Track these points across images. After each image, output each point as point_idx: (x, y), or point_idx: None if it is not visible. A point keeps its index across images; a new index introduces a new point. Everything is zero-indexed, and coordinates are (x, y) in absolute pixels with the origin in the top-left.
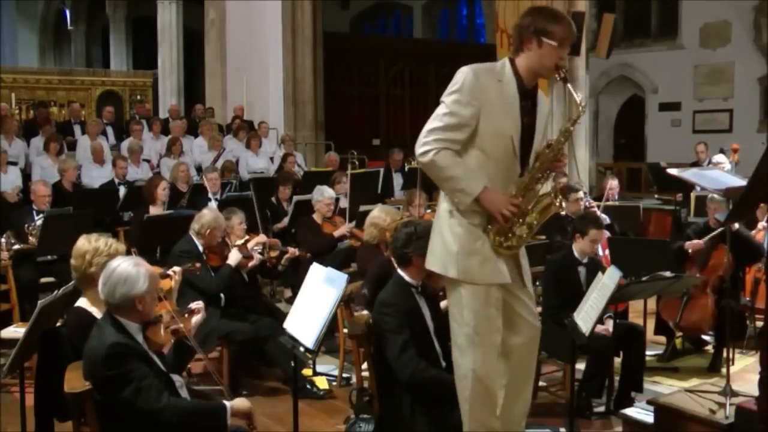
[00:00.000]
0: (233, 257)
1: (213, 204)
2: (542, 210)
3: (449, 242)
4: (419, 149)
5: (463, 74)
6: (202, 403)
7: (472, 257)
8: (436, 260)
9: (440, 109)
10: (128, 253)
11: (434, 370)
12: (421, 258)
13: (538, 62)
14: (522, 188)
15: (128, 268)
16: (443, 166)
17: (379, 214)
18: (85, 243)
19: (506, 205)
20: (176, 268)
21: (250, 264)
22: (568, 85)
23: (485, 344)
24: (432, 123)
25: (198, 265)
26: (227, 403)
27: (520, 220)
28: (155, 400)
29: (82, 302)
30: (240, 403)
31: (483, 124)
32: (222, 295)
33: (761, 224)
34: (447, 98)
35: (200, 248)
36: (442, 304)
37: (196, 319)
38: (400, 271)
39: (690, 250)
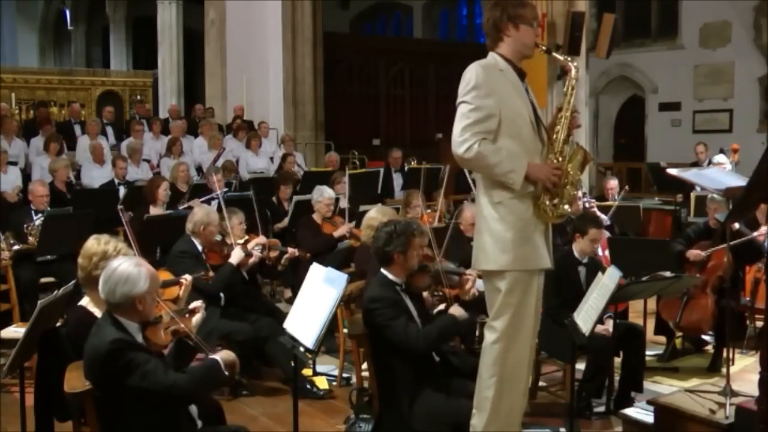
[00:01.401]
0: (236, 256)
1: (214, 204)
2: (580, 165)
3: (501, 231)
4: (460, 148)
5: (472, 71)
6: (197, 367)
7: (526, 244)
8: (487, 257)
9: (464, 108)
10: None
11: (434, 324)
12: (402, 255)
13: (520, 43)
14: (556, 153)
15: (129, 268)
16: (488, 154)
17: (375, 215)
18: (94, 244)
19: (551, 171)
20: (187, 276)
21: (250, 261)
22: (554, 54)
23: (522, 334)
24: (462, 122)
25: (211, 274)
26: (217, 357)
27: (565, 181)
28: (164, 379)
29: (85, 302)
30: (225, 354)
31: (503, 112)
32: (222, 295)
33: (763, 228)
34: (467, 96)
35: (199, 248)
36: (454, 311)
37: (196, 318)
38: (383, 271)
39: (691, 259)
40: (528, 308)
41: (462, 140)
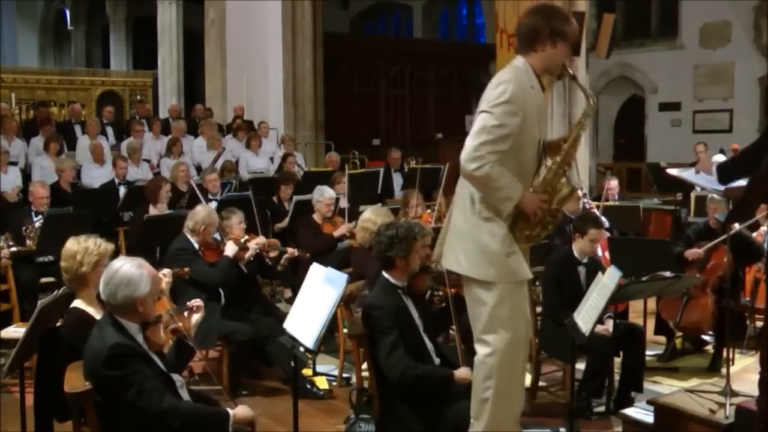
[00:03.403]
0: (230, 249)
1: (213, 204)
2: (561, 200)
3: (489, 244)
4: (472, 164)
5: (510, 84)
6: (204, 408)
7: (511, 257)
8: (471, 265)
9: (489, 121)
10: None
11: (423, 366)
12: (404, 260)
13: (551, 61)
14: (546, 184)
15: (131, 270)
16: (496, 179)
17: (369, 216)
18: (74, 244)
19: (539, 204)
20: (166, 270)
21: (247, 255)
22: (576, 81)
23: (516, 344)
24: (482, 135)
25: (186, 269)
26: (230, 411)
27: (547, 215)
28: (157, 403)
29: (78, 303)
30: (243, 411)
31: (520, 136)
32: (222, 293)
33: (763, 229)
34: (496, 109)
35: (196, 246)
36: (460, 373)
37: (195, 317)
38: (385, 274)
39: (689, 258)
40: (519, 318)
41: (477, 156)
